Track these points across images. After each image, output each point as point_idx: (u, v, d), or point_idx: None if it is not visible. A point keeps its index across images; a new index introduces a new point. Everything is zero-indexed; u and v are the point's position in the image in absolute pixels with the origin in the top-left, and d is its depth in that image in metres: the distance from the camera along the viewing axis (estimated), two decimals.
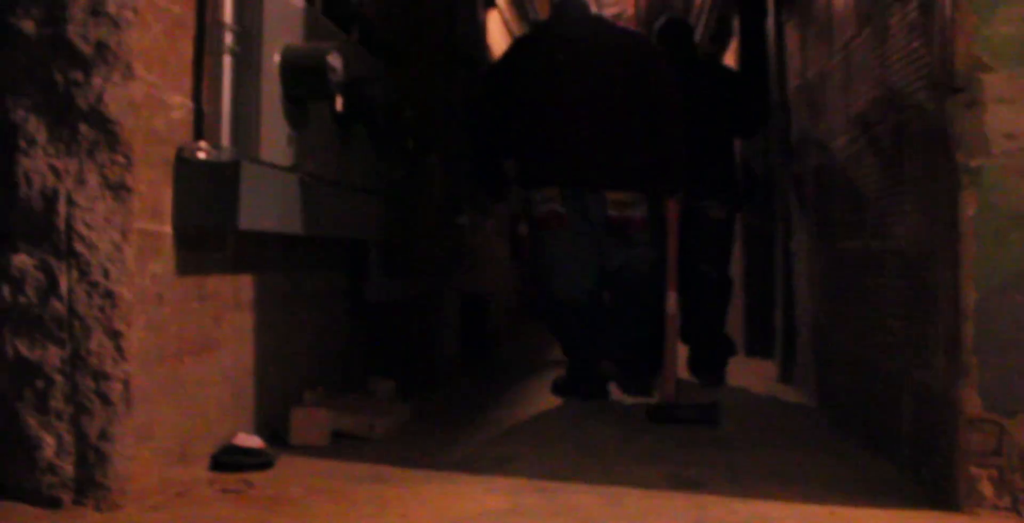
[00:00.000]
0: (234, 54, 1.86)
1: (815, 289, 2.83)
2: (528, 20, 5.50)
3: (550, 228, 2.85)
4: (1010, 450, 1.61)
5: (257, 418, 2.13)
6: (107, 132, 1.62)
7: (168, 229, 1.73)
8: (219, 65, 1.84)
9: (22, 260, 1.61)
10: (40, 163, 1.62)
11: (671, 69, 2.90)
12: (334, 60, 2.00)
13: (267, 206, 1.89)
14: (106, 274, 1.60)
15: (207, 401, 1.90)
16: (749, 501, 1.72)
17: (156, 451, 1.70)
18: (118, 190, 1.62)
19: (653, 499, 1.75)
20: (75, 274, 1.61)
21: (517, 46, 3.07)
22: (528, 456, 2.12)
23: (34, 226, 1.61)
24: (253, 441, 1.97)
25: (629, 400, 2.94)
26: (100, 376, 1.60)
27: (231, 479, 1.82)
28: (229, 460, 1.88)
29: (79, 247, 1.61)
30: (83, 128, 1.62)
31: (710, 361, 3.38)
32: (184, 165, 1.75)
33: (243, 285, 2.07)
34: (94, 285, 1.60)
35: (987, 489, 1.61)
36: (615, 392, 3.00)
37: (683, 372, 3.29)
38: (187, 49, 1.82)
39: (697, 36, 5.05)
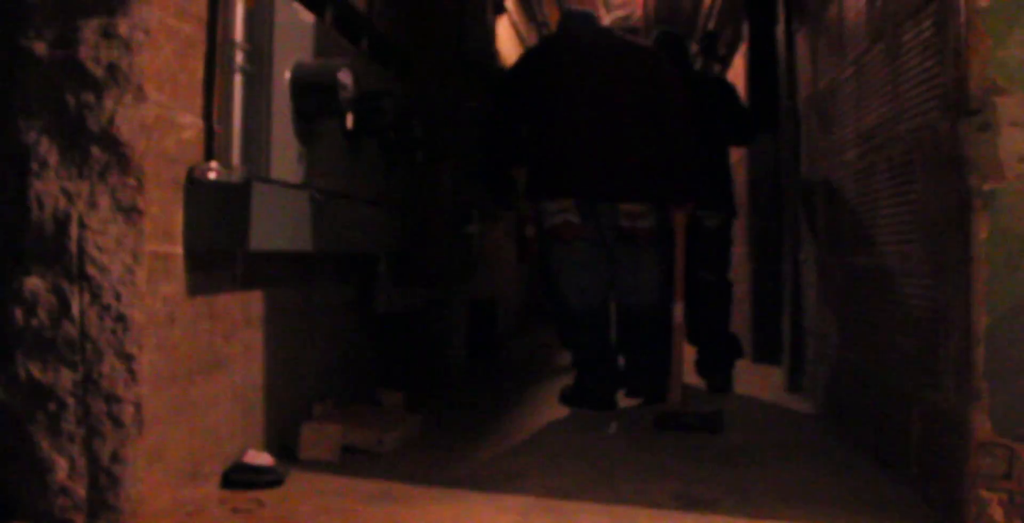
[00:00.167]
0: (245, 72, 1.86)
1: (824, 301, 2.82)
2: (536, 22, 5.50)
3: (564, 239, 2.87)
4: (1021, 474, 1.60)
5: (267, 433, 2.14)
6: (118, 155, 1.62)
7: (179, 250, 1.74)
8: (230, 84, 1.84)
9: (34, 283, 1.62)
10: (52, 186, 1.63)
11: (681, 82, 2.90)
12: (344, 77, 2.00)
13: (278, 225, 1.89)
14: (118, 297, 1.61)
15: (217, 419, 1.91)
16: (757, 522, 1.72)
17: (167, 472, 1.70)
18: (129, 213, 1.62)
19: (662, 519, 1.75)
20: (87, 297, 1.61)
21: (527, 58, 3.06)
22: (537, 472, 2.12)
23: (46, 249, 1.62)
24: (263, 458, 1.97)
25: (636, 410, 2.94)
26: (112, 399, 1.60)
27: (242, 498, 1.83)
28: (240, 478, 1.89)
29: (91, 270, 1.61)
30: (95, 151, 1.63)
31: (717, 361, 3.43)
32: (195, 186, 1.75)
33: (253, 301, 2.07)
34: (106, 308, 1.61)
35: (997, 513, 1.61)
36: (622, 400, 3.01)
37: (689, 379, 3.31)
38: (198, 68, 1.82)
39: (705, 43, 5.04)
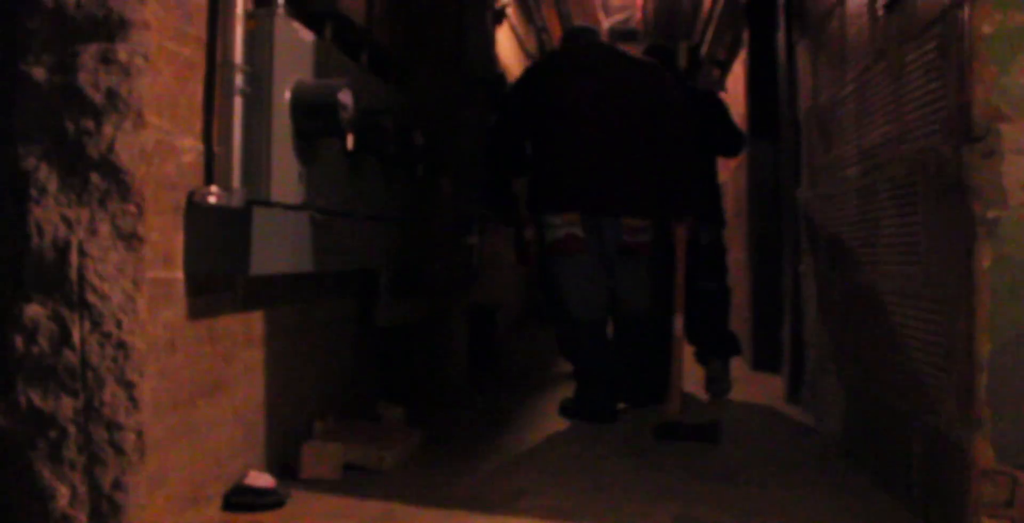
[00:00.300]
0: (244, 94, 1.85)
1: (825, 316, 2.82)
2: (535, 26, 5.48)
3: (568, 252, 2.91)
4: (1023, 502, 1.61)
5: (268, 453, 2.13)
6: (118, 182, 1.61)
7: (179, 275, 1.73)
8: (230, 106, 1.83)
9: (34, 310, 1.61)
10: (51, 213, 1.62)
11: (684, 98, 2.92)
12: (345, 97, 1.99)
13: (278, 248, 1.88)
14: (119, 324, 1.60)
15: (219, 441, 1.90)
16: None
17: (169, 497, 1.70)
18: (130, 240, 1.61)
19: None
20: (87, 325, 1.61)
21: (531, 73, 3.09)
22: (537, 490, 2.12)
23: (46, 276, 1.61)
24: (264, 480, 1.97)
25: (636, 422, 2.94)
26: (114, 426, 1.60)
27: (243, 520, 1.83)
28: (241, 501, 1.89)
29: (91, 298, 1.60)
30: (94, 177, 1.62)
31: (714, 351, 3.54)
32: (195, 211, 1.74)
33: (253, 321, 2.06)
34: (107, 336, 1.60)
35: None
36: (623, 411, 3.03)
37: (689, 389, 3.33)
38: (197, 91, 1.81)
39: (704, 47, 5.04)
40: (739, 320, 4.40)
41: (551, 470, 2.34)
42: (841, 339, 2.62)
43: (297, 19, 2.12)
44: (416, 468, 2.31)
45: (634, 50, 3.41)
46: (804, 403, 3.09)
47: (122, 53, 1.63)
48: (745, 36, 4.21)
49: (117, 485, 1.59)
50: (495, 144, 3.06)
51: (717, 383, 3.51)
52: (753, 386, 3.73)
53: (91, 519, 1.59)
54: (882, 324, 2.16)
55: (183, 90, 1.76)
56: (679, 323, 2.98)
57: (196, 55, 1.80)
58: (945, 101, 1.75)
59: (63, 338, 1.60)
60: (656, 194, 2.92)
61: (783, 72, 3.36)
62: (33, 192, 1.62)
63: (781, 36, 3.38)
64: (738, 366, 4.05)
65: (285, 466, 2.19)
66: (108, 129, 1.62)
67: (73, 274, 1.61)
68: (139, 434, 1.61)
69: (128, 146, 1.62)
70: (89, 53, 1.63)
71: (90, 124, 1.62)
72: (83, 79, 1.63)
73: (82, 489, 1.60)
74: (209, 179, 1.81)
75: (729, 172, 4.91)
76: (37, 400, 1.61)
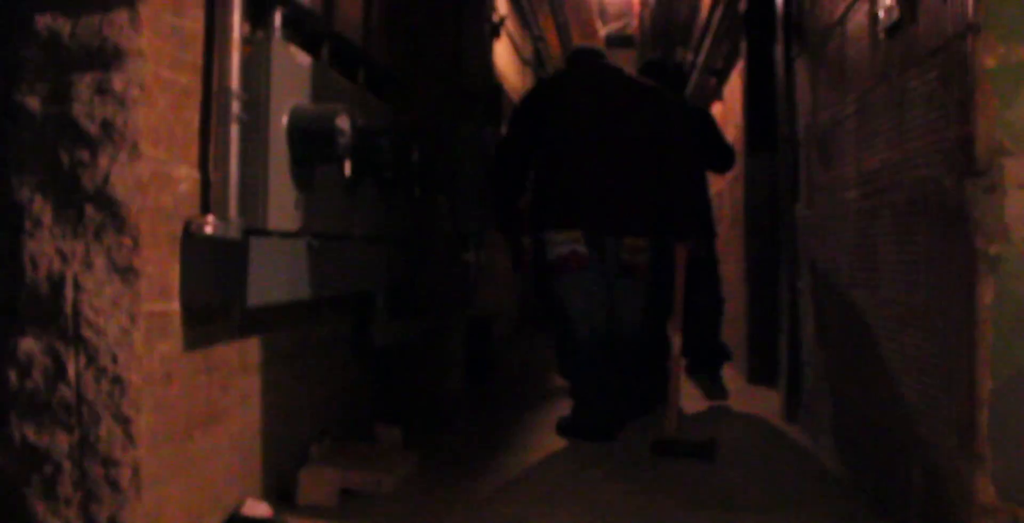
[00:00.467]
0: (241, 121, 1.83)
1: (822, 336, 2.81)
2: (532, 36, 5.46)
3: (571, 269, 2.94)
4: None
5: (265, 479, 2.12)
6: (113, 214, 1.59)
7: (176, 306, 1.71)
8: (226, 134, 1.81)
9: (29, 345, 1.59)
10: (46, 246, 1.60)
11: (686, 120, 2.97)
12: (343, 123, 1.97)
13: (275, 278, 1.86)
14: (114, 359, 1.58)
15: (215, 471, 1.89)
16: None
17: None
18: (125, 273, 1.59)
19: None
20: (83, 359, 1.59)
21: (536, 92, 3.15)
22: (534, 517, 2.11)
23: (41, 310, 1.59)
24: (261, 508, 1.96)
25: (633, 441, 2.93)
26: (109, 462, 1.58)
27: None
28: None
29: (87, 332, 1.58)
30: (89, 210, 1.60)
31: (705, 363, 3.72)
32: (191, 241, 1.72)
33: (250, 347, 2.05)
34: (102, 370, 1.58)
35: None
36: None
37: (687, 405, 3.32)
38: (194, 118, 1.79)
39: (701, 57, 5.03)
40: (735, 332, 4.40)
41: (547, 496, 2.33)
42: (839, 361, 2.61)
43: (294, 39, 2.11)
44: (413, 492, 2.30)
45: (631, 55, 3.44)
46: (801, 422, 3.08)
47: (117, 83, 1.60)
48: (743, 46, 4.20)
49: (113, 522, 1.58)
50: (500, 164, 3.11)
51: (713, 390, 3.64)
52: (749, 400, 3.72)
53: None
54: (881, 349, 2.15)
55: (179, 118, 1.74)
56: (678, 343, 3.00)
57: (192, 82, 1.78)
58: (947, 132, 1.74)
59: (58, 373, 1.59)
60: (657, 215, 2.97)
61: (781, 86, 3.35)
62: (27, 224, 1.60)
63: (779, 49, 3.36)
64: (734, 378, 4.05)
65: (282, 491, 2.17)
66: (103, 160, 1.60)
67: (68, 308, 1.59)
68: (135, 470, 1.59)
69: (123, 178, 1.60)
70: (84, 83, 1.61)
71: (85, 155, 1.60)
72: (78, 110, 1.61)
73: None
74: (206, 208, 1.80)
75: (725, 183, 4.90)
76: (31, 435, 1.59)
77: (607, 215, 2.94)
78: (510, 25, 4.92)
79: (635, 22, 6.13)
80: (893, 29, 2.05)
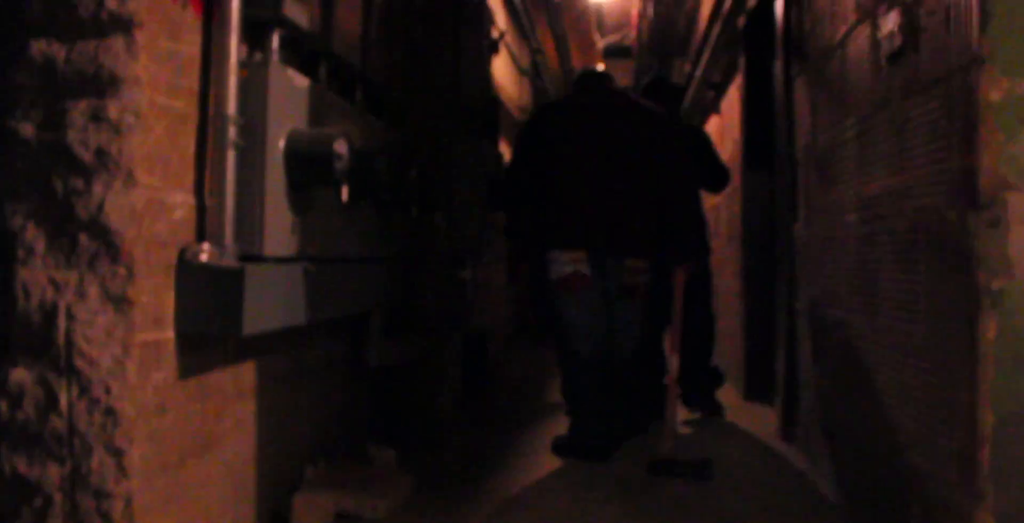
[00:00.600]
0: (238, 147, 1.81)
1: (819, 358, 2.80)
2: (531, 49, 5.45)
3: (574, 289, 2.97)
4: None
5: (259, 505, 2.10)
6: (108, 243, 1.57)
7: (170, 335, 1.69)
8: (223, 160, 1.79)
9: (20, 375, 1.57)
10: (39, 275, 1.58)
11: (687, 145, 3.01)
12: (340, 147, 1.95)
13: (271, 305, 1.84)
14: (107, 390, 1.56)
15: (209, 500, 1.86)
16: None
17: None
18: (119, 303, 1.57)
19: None
20: (75, 390, 1.56)
21: (542, 115, 3.19)
22: None
23: (33, 340, 1.57)
24: None
25: (628, 462, 2.92)
26: (101, 495, 1.56)
27: None
28: None
29: (79, 363, 1.56)
30: (83, 239, 1.58)
31: (699, 391, 3.70)
32: (186, 269, 1.70)
33: (244, 373, 2.03)
34: (95, 402, 1.56)
35: None
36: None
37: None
38: (190, 144, 1.77)
39: (700, 70, 5.02)
40: (731, 348, 4.38)
41: (544, 520, 2.31)
42: (836, 385, 2.60)
43: (291, 59, 2.09)
44: (408, 516, 2.28)
45: (630, 65, 3.49)
46: (798, 443, 3.07)
47: (112, 110, 1.58)
48: (741, 62, 4.19)
49: None
50: (509, 187, 3.16)
51: (707, 405, 3.65)
52: (745, 417, 3.71)
53: None
54: (880, 376, 2.14)
55: (175, 144, 1.72)
56: (675, 363, 3.00)
57: (188, 108, 1.76)
58: (949, 162, 1.73)
59: (50, 404, 1.56)
60: (657, 237, 3.01)
61: (780, 104, 3.34)
62: (20, 253, 1.58)
63: (779, 67, 3.35)
64: (730, 395, 4.04)
65: (277, 515, 2.15)
66: (98, 189, 1.58)
67: (61, 338, 1.57)
68: (128, 501, 1.57)
69: (118, 206, 1.58)
70: (79, 110, 1.59)
71: (79, 183, 1.58)
72: (72, 137, 1.59)
73: None
74: (201, 235, 1.77)
75: (722, 197, 4.89)
76: (22, 467, 1.56)
77: (609, 236, 2.98)
78: (508, 37, 4.91)
79: (633, 33, 6.12)
80: (895, 56, 2.04)
